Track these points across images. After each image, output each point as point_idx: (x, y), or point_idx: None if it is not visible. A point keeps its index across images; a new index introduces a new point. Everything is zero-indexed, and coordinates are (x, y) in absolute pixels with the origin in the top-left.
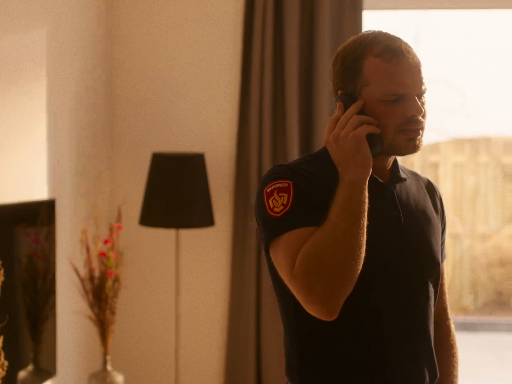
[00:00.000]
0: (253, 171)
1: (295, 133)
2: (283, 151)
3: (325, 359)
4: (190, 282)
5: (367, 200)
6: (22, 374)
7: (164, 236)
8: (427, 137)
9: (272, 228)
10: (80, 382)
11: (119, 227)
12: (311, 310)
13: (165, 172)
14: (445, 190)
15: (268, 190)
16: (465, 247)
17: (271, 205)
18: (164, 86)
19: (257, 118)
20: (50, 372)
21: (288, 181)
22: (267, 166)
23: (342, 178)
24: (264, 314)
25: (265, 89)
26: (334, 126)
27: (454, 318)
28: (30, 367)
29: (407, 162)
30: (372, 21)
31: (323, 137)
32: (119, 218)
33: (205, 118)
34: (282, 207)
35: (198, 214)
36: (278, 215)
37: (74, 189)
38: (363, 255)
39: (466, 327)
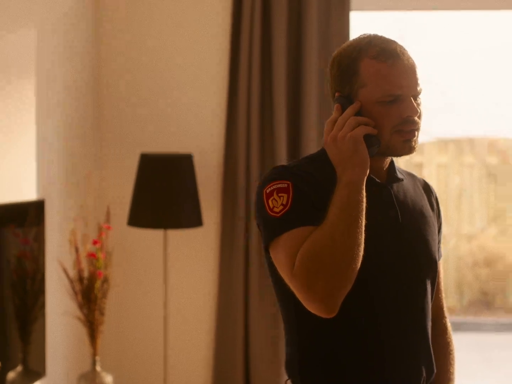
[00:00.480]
0: (241, 172)
1: (283, 133)
2: (271, 151)
3: (325, 357)
4: (178, 282)
5: (365, 200)
6: (11, 375)
7: (152, 236)
8: None
9: (272, 228)
10: (69, 382)
11: (108, 228)
12: (311, 308)
13: (153, 172)
14: None
15: (267, 191)
16: (450, 247)
17: (271, 205)
18: (152, 87)
19: (245, 119)
20: (40, 373)
21: (288, 182)
22: (255, 167)
23: (340, 178)
24: (252, 314)
25: (253, 89)
26: (332, 128)
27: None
28: (19, 368)
29: None
30: (358, 22)
31: (310, 137)
32: (108, 219)
33: (193, 119)
34: (281, 207)
35: (186, 215)
36: (278, 215)
37: (63, 190)
38: (361, 253)
39: (452, 327)
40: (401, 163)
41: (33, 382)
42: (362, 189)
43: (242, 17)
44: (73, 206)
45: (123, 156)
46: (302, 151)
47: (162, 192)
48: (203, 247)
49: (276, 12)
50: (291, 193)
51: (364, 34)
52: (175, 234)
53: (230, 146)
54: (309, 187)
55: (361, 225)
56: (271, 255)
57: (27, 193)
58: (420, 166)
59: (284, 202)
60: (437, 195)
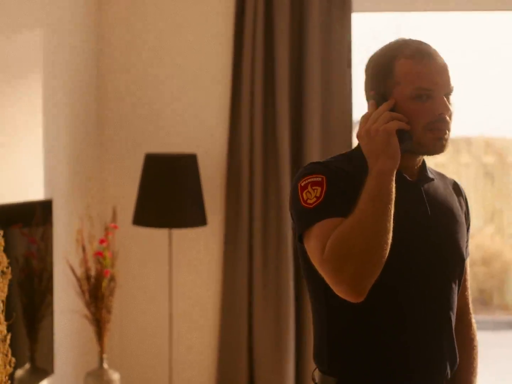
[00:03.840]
0: (244, 171)
1: (286, 133)
2: (274, 151)
3: (353, 348)
4: (183, 280)
5: (394, 190)
6: (19, 373)
7: (157, 235)
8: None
9: (306, 218)
10: (76, 380)
11: (115, 227)
12: (340, 291)
13: (158, 172)
14: None
15: (302, 184)
16: None
17: (305, 197)
18: (157, 88)
19: (248, 118)
20: (47, 371)
21: (322, 176)
22: (258, 166)
23: (371, 169)
24: (256, 312)
25: (256, 90)
26: (366, 122)
27: None
28: (27, 366)
29: None
30: (360, 23)
31: (313, 137)
32: (114, 218)
33: (197, 119)
34: (315, 199)
35: (190, 214)
36: (311, 206)
37: (70, 190)
38: (389, 241)
39: None
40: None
41: (41, 380)
42: (392, 179)
43: (245, 17)
44: (79, 206)
45: (128, 157)
46: (305, 150)
47: (167, 192)
48: (208, 246)
49: (279, 13)
50: (324, 186)
51: (400, 38)
52: (179, 233)
53: (233, 145)
54: (342, 181)
55: (390, 213)
56: (305, 244)
57: (35, 193)
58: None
59: (318, 195)
60: (466, 196)
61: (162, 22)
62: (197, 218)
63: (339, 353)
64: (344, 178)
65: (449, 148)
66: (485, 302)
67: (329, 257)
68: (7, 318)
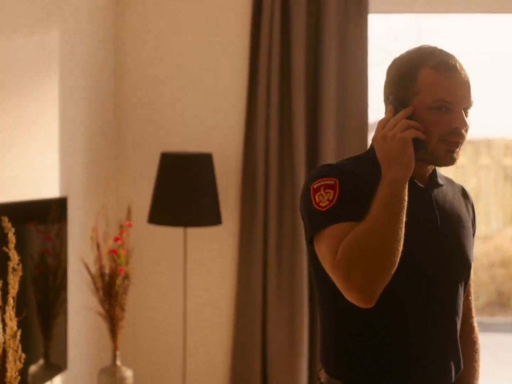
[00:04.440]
0: (259, 171)
1: (301, 133)
2: (289, 151)
3: (359, 350)
4: (197, 279)
5: (406, 198)
6: (33, 368)
7: (172, 234)
8: None
9: (318, 221)
10: (90, 377)
11: (129, 225)
12: (350, 297)
13: (173, 171)
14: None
15: (315, 186)
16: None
17: (317, 200)
18: (173, 87)
19: (264, 119)
20: (61, 367)
21: (335, 179)
22: (273, 166)
23: (384, 175)
24: (270, 311)
25: (272, 90)
26: (383, 127)
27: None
28: (41, 362)
29: None
30: (376, 24)
31: (328, 137)
32: (128, 216)
33: (213, 118)
34: (327, 202)
35: (205, 213)
36: (324, 209)
37: (85, 188)
38: (401, 248)
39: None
40: None
41: (55, 376)
42: (405, 187)
43: (261, 20)
44: (94, 204)
45: (144, 155)
46: (320, 150)
47: (182, 191)
48: (222, 245)
49: (295, 15)
50: (337, 190)
51: (426, 45)
52: (194, 232)
53: (249, 145)
54: (354, 185)
55: (402, 221)
56: (315, 247)
57: (50, 190)
58: (437, 168)
59: (331, 198)
60: (473, 201)
61: (179, 22)
62: (212, 217)
63: (345, 355)
64: (356, 182)
65: (469, 150)
66: (504, 304)
67: (341, 262)
68: (19, 314)
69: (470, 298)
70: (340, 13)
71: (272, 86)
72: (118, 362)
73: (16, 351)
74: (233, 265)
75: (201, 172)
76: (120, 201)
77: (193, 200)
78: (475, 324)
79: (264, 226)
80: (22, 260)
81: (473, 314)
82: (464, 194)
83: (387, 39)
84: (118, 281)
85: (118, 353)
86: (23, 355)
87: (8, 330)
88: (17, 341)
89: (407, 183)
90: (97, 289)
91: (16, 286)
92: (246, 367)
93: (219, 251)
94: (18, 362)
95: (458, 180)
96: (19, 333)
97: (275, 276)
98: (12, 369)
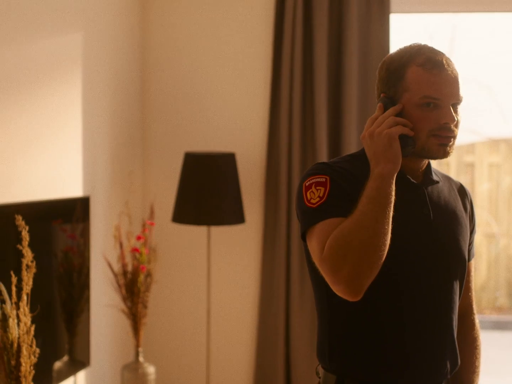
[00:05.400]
0: (283, 170)
1: (324, 133)
2: (312, 151)
3: (353, 346)
4: (221, 277)
5: (393, 193)
6: (57, 364)
7: (196, 233)
8: (462, 138)
9: (308, 217)
10: (113, 373)
11: (152, 224)
12: (337, 290)
13: (197, 171)
14: (480, 190)
15: (307, 184)
16: (501, 246)
17: (309, 197)
18: (197, 88)
19: (286, 118)
20: (84, 363)
21: (326, 176)
22: (296, 165)
23: (372, 171)
24: (293, 309)
25: (295, 91)
26: (372, 124)
27: (488, 317)
28: (65, 358)
29: (443, 162)
30: (407, 23)
31: (351, 137)
32: (151, 215)
33: (236, 119)
34: (318, 199)
35: (228, 212)
36: (314, 206)
37: (109, 187)
38: (387, 242)
39: (500, 325)
40: (453, 163)
41: (78, 371)
42: (392, 182)
43: (284, 20)
44: (118, 203)
45: (168, 155)
46: (343, 149)
47: (206, 190)
48: (246, 243)
49: (317, 15)
50: (328, 187)
51: (415, 43)
52: (218, 231)
53: (272, 145)
54: (346, 182)
55: (389, 215)
56: (307, 243)
57: (74, 189)
58: (471, 166)
59: (321, 195)
60: (472, 198)
61: (203, 23)
62: (235, 216)
63: (340, 351)
64: (348, 179)
65: (504, 148)
66: None
67: (327, 256)
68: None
69: (470, 294)
70: (361, 13)
71: (295, 86)
72: (141, 358)
73: (31, 346)
74: (256, 263)
75: (224, 172)
76: (145, 201)
77: (216, 199)
78: (477, 321)
79: (287, 225)
80: (47, 258)
81: (474, 311)
82: (462, 191)
83: (422, 38)
84: (140, 278)
85: (140, 349)
86: (38, 350)
87: (22, 326)
88: (31, 336)
89: (397, 179)
90: (119, 287)
91: (30, 283)
92: (269, 364)
93: (242, 250)
94: (32, 357)
95: (492, 179)
96: (33, 328)
97: (298, 274)
98: (26, 363)
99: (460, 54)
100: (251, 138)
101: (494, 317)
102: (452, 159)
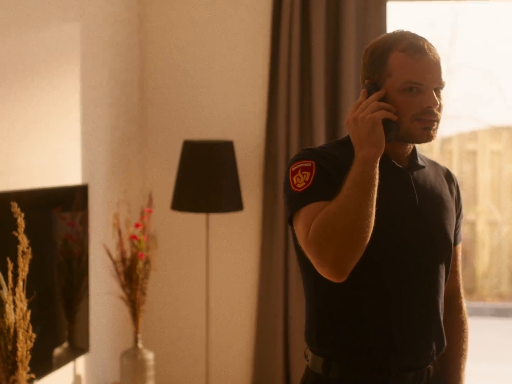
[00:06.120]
0: (281, 158)
1: (321, 121)
2: (310, 138)
3: (340, 328)
4: (219, 264)
5: (377, 177)
6: (57, 351)
7: (195, 220)
8: (464, 125)
9: (295, 201)
10: (112, 359)
11: (150, 212)
12: (323, 272)
13: (196, 158)
14: (483, 178)
15: (293, 169)
16: (503, 234)
17: (295, 182)
18: (195, 76)
19: (284, 107)
20: (84, 349)
21: (312, 161)
22: (294, 153)
23: (356, 155)
24: (291, 295)
25: (293, 79)
26: (356, 109)
27: (491, 304)
28: (65, 345)
29: (445, 151)
30: (408, 11)
31: None
32: (150, 203)
33: (235, 107)
34: (304, 183)
35: (227, 199)
36: (300, 190)
37: (108, 175)
38: (371, 225)
39: (502, 312)
40: (455, 150)
41: (78, 357)
42: (375, 166)
43: (282, 10)
44: (116, 191)
45: (167, 143)
46: (340, 136)
47: (204, 178)
48: (244, 230)
49: (315, 5)
50: (314, 172)
51: (397, 30)
52: (216, 218)
53: (270, 133)
54: (331, 167)
55: (372, 199)
56: (294, 227)
57: (73, 177)
58: (473, 153)
59: (307, 179)
60: (458, 183)
61: (201, 13)
62: (234, 203)
63: (326, 334)
64: (333, 164)
65: (506, 136)
66: None
67: (312, 239)
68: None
69: (457, 278)
70: (358, 2)
71: (293, 75)
72: (140, 345)
73: (27, 331)
74: (255, 250)
75: (222, 159)
76: (143, 188)
77: (215, 186)
78: (464, 305)
79: (285, 211)
80: (47, 246)
81: (462, 294)
82: (449, 176)
83: (423, 26)
84: (139, 266)
85: (139, 336)
86: (34, 335)
87: (18, 311)
88: (27, 321)
89: (382, 163)
90: (118, 274)
91: (26, 269)
92: (268, 352)
93: (241, 237)
94: (28, 342)
95: (494, 167)
96: (28, 313)
97: (296, 260)
98: (22, 348)
99: (463, 41)
100: (249, 126)
101: (497, 304)
102: (454, 147)
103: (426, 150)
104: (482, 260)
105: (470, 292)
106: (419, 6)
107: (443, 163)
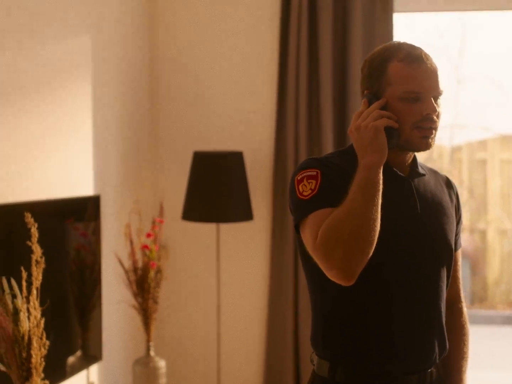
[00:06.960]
0: (290, 168)
1: (330, 130)
2: (318, 148)
3: (344, 332)
4: (230, 273)
5: (381, 182)
6: (71, 359)
7: (205, 230)
8: (474, 134)
9: (301, 209)
10: (124, 367)
11: (161, 221)
12: (331, 275)
13: (206, 169)
14: (493, 187)
15: (298, 178)
16: None
17: (301, 190)
18: (205, 88)
19: (293, 117)
20: (97, 358)
21: (317, 170)
22: None
23: (360, 162)
24: (302, 305)
25: (301, 89)
26: (358, 119)
27: (501, 312)
28: (78, 353)
29: (455, 160)
30: (417, 22)
31: None
32: (161, 213)
33: (244, 118)
34: (310, 191)
35: (237, 209)
36: (306, 198)
37: (120, 186)
38: (377, 228)
39: (506, 319)
40: (465, 159)
41: (91, 365)
42: (379, 172)
43: (289, 21)
44: (128, 201)
45: (177, 154)
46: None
47: (214, 188)
48: (254, 240)
49: (322, 15)
50: (319, 180)
51: (396, 41)
52: (226, 228)
53: (279, 143)
54: (335, 175)
55: (377, 203)
56: (301, 234)
57: (86, 189)
58: (483, 162)
59: (313, 187)
60: (458, 191)
61: (211, 24)
62: (244, 213)
63: (332, 337)
64: (337, 172)
65: None
66: None
67: (321, 244)
68: (43, 304)
69: (458, 282)
70: (366, 13)
71: (301, 85)
72: (152, 353)
73: (41, 338)
74: (265, 259)
75: (232, 170)
76: (155, 199)
77: (224, 196)
78: (464, 309)
79: None
80: (60, 256)
81: (462, 299)
82: (448, 183)
83: (433, 37)
84: (151, 275)
85: (151, 344)
86: (47, 342)
87: (32, 319)
88: (41, 329)
89: (384, 172)
90: (130, 283)
91: (40, 278)
92: (279, 360)
93: (251, 246)
94: (42, 349)
95: (504, 175)
96: (42, 321)
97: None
98: (37, 355)
99: (472, 51)
100: (258, 136)
101: (508, 312)
102: (464, 155)
103: (436, 159)
104: (493, 268)
105: (481, 300)
106: (428, 17)
107: (453, 172)
